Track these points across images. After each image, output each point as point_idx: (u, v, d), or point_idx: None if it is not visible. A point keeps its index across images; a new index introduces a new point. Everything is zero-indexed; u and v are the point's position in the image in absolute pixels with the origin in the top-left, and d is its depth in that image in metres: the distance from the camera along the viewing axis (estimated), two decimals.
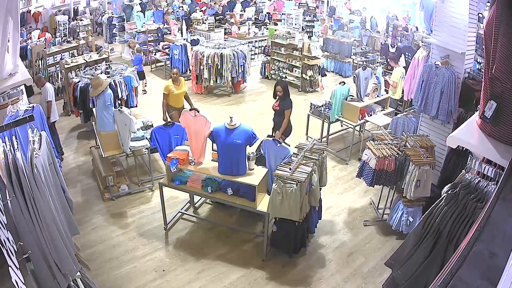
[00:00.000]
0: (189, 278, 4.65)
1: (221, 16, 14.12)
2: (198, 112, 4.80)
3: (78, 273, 3.15)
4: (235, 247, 5.14)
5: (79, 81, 7.58)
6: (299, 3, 15.37)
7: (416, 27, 11.60)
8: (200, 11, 14.72)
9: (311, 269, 4.81)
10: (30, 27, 13.46)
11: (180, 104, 7.12)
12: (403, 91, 8.28)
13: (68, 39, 11.02)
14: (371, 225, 5.56)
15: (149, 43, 12.60)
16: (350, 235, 5.39)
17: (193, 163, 5.00)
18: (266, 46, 11.94)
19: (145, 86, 10.53)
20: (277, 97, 6.44)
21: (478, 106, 3.41)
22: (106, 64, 8.56)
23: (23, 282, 1.97)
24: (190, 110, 4.84)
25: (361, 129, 7.86)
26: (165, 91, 6.93)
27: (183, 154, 5.03)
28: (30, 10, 13.86)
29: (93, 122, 7.23)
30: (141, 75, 10.33)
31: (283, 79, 11.09)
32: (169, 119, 6.84)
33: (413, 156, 4.78)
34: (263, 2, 16.65)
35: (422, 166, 4.66)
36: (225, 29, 12.93)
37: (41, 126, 4.71)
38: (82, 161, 7.17)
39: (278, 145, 4.89)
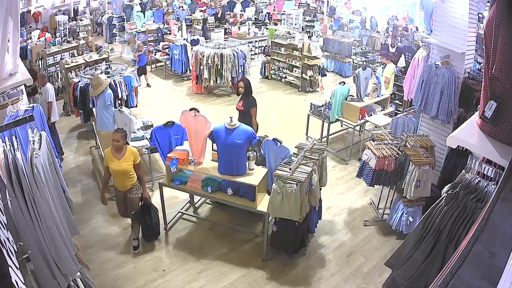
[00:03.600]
0: (189, 278, 4.65)
1: (222, 18, 14.12)
2: (198, 112, 4.80)
3: (78, 273, 3.14)
4: (235, 247, 5.14)
5: (79, 81, 7.58)
6: (299, 3, 15.37)
7: (416, 27, 11.60)
8: (200, 11, 14.71)
9: (311, 269, 4.81)
10: (30, 27, 13.43)
11: (123, 185, 4.75)
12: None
13: (68, 39, 11.01)
14: (371, 225, 5.56)
15: (149, 43, 12.60)
16: (350, 235, 5.39)
17: (193, 163, 5.00)
18: (266, 46, 11.94)
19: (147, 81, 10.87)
20: (240, 96, 6.28)
21: (478, 106, 3.42)
22: (106, 64, 8.56)
23: (23, 282, 1.97)
24: (190, 110, 4.83)
25: (361, 129, 7.86)
26: (105, 161, 4.84)
27: (183, 154, 5.03)
28: (30, 10, 13.84)
29: (93, 122, 7.23)
30: (143, 70, 10.45)
31: (283, 78, 11.11)
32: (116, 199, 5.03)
33: (413, 156, 4.78)
34: (263, 2, 16.65)
35: (422, 166, 4.66)
36: (225, 29, 12.93)
37: (41, 126, 4.70)
38: (82, 161, 7.17)
39: (278, 145, 4.89)
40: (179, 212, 5.70)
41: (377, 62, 11.59)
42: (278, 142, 4.89)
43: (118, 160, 4.65)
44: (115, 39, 13.31)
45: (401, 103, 8.56)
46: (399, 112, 7.49)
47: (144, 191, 4.90)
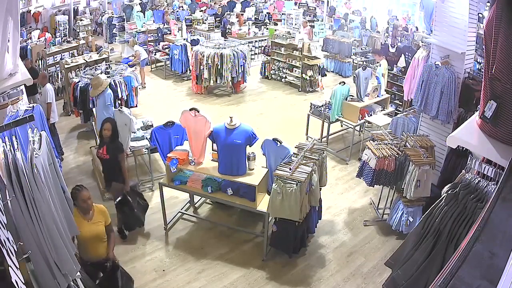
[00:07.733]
0: (189, 278, 4.65)
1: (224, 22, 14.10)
2: (198, 112, 4.80)
3: (78, 273, 3.14)
4: (235, 247, 5.14)
5: (79, 81, 7.58)
6: (299, 3, 15.37)
7: (416, 27, 11.59)
8: (200, 11, 14.71)
9: (311, 269, 4.81)
10: (30, 27, 13.42)
11: (97, 251, 3.85)
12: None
13: (68, 39, 11.01)
14: (371, 225, 5.56)
15: (149, 43, 12.60)
16: (350, 235, 5.39)
17: (193, 163, 5.00)
18: (266, 46, 11.94)
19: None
20: (103, 140, 5.11)
21: (478, 106, 3.41)
22: (106, 64, 8.56)
23: (23, 282, 1.97)
24: (190, 110, 4.83)
25: (361, 129, 7.86)
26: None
27: (183, 154, 5.03)
28: (30, 10, 13.82)
29: (93, 122, 7.22)
30: None
31: (283, 78, 11.12)
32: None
33: (413, 156, 4.78)
34: (263, 2, 16.65)
35: (422, 166, 4.66)
36: (226, 32, 12.92)
37: (41, 126, 4.70)
38: (82, 161, 7.16)
39: (278, 145, 4.89)
40: (179, 212, 5.70)
41: (377, 62, 11.58)
42: (278, 142, 4.89)
43: (88, 222, 3.67)
44: (115, 39, 13.30)
45: (401, 103, 8.56)
46: (399, 112, 7.49)
47: (110, 251, 3.88)
